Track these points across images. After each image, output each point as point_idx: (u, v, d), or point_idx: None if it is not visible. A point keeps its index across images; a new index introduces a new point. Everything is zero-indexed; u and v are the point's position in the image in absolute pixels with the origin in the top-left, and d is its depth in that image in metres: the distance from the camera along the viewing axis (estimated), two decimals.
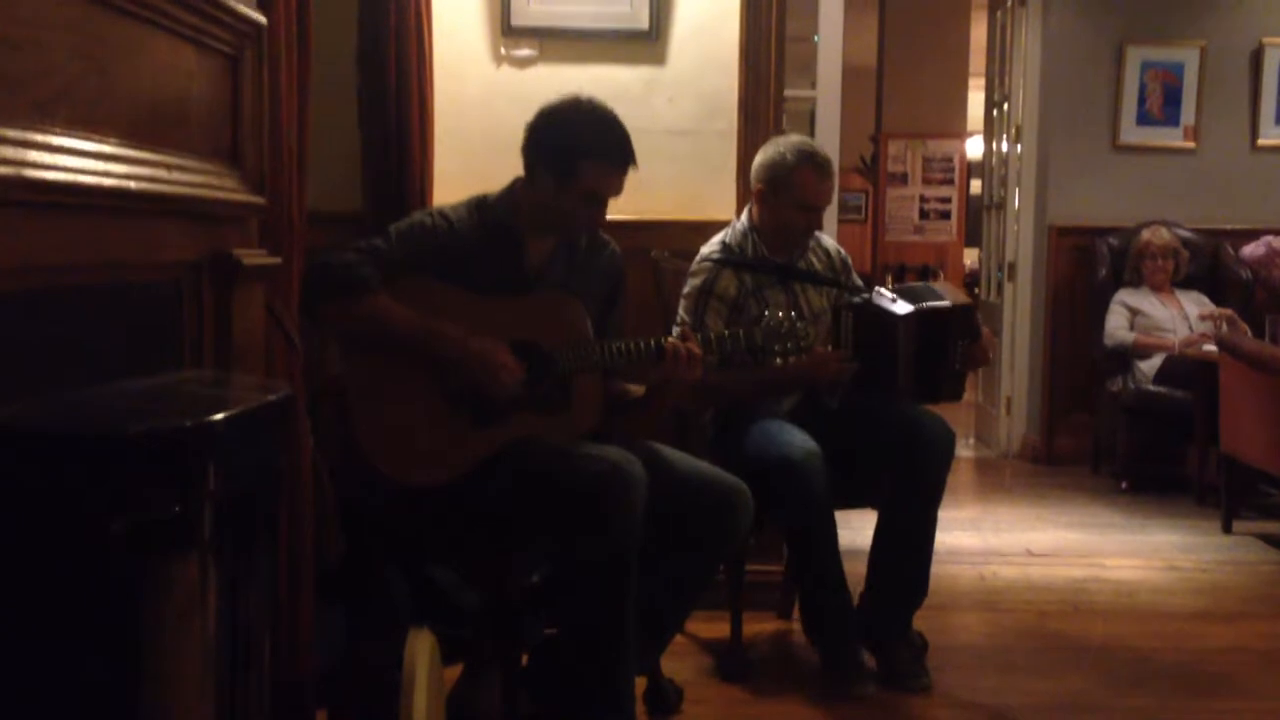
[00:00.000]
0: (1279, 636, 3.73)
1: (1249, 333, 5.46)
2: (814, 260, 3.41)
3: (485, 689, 2.80)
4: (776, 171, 3.24)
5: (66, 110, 1.46)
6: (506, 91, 3.68)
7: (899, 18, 9.56)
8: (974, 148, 9.40)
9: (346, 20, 3.23)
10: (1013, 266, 6.66)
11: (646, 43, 3.72)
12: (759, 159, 3.30)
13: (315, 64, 2.33)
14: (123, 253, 1.64)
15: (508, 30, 3.70)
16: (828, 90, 5.19)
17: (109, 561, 1.30)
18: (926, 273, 9.48)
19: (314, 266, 2.51)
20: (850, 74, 5.65)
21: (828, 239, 3.50)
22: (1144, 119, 6.40)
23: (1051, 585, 4.19)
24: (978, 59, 8.60)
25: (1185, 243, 5.96)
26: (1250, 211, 6.34)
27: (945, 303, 3.21)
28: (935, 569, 3.30)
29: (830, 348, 3.19)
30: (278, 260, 2.16)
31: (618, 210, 2.83)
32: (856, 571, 3.23)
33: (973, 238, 8.99)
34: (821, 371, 3.16)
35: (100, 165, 1.51)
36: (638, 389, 2.85)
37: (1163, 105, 6.40)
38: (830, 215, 3.94)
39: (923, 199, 9.96)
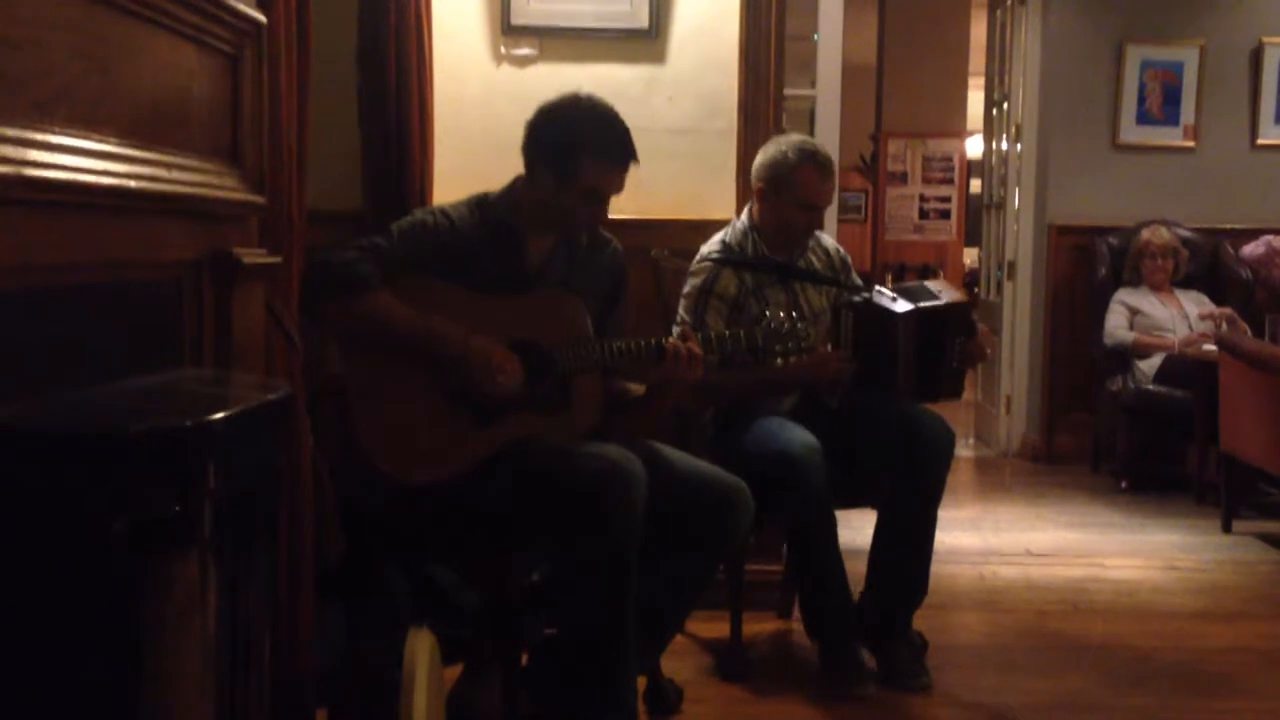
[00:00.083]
0: (1279, 636, 3.73)
1: (1249, 332, 5.45)
2: (814, 259, 3.41)
3: (485, 689, 2.79)
4: (778, 170, 3.23)
5: (67, 109, 1.46)
6: (506, 90, 3.68)
7: (899, 16, 9.56)
8: (974, 147, 9.40)
9: (346, 19, 3.23)
10: (1012, 266, 6.66)
11: (646, 41, 3.72)
12: (760, 157, 3.30)
13: (315, 62, 2.33)
14: (123, 251, 1.64)
15: (507, 29, 3.70)
16: (827, 89, 5.19)
17: (109, 561, 1.29)
18: (926, 272, 9.48)
19: (314, 265, 2.51)
20: (850, 73, 5.65)
21: (827, 238, 3.50)
22: (1144, 118, 6.40)
23: (1051, 585, 4.19)
24: (977, 58, 8.60)
25: (1185, 242, 5.96)
26: (1250, 211, 6.34)
27: (942, 301, 3.21)
28: (935, 568, 3.30)
29: (830, 347, 3.19)
30: (278, 259, 2.16)
31: (617, 209, 2.83)
32: (856, 571, 3.23)
33: (972, 237, 8.99)
34: (822, 371, 3.16)
35: (100, 164, 1.51)
36: (638, 388, 2.85)
37: (1162, 104, 6.40)
38: (830, 214, 3.94)
39: (922, 198, 9.96)
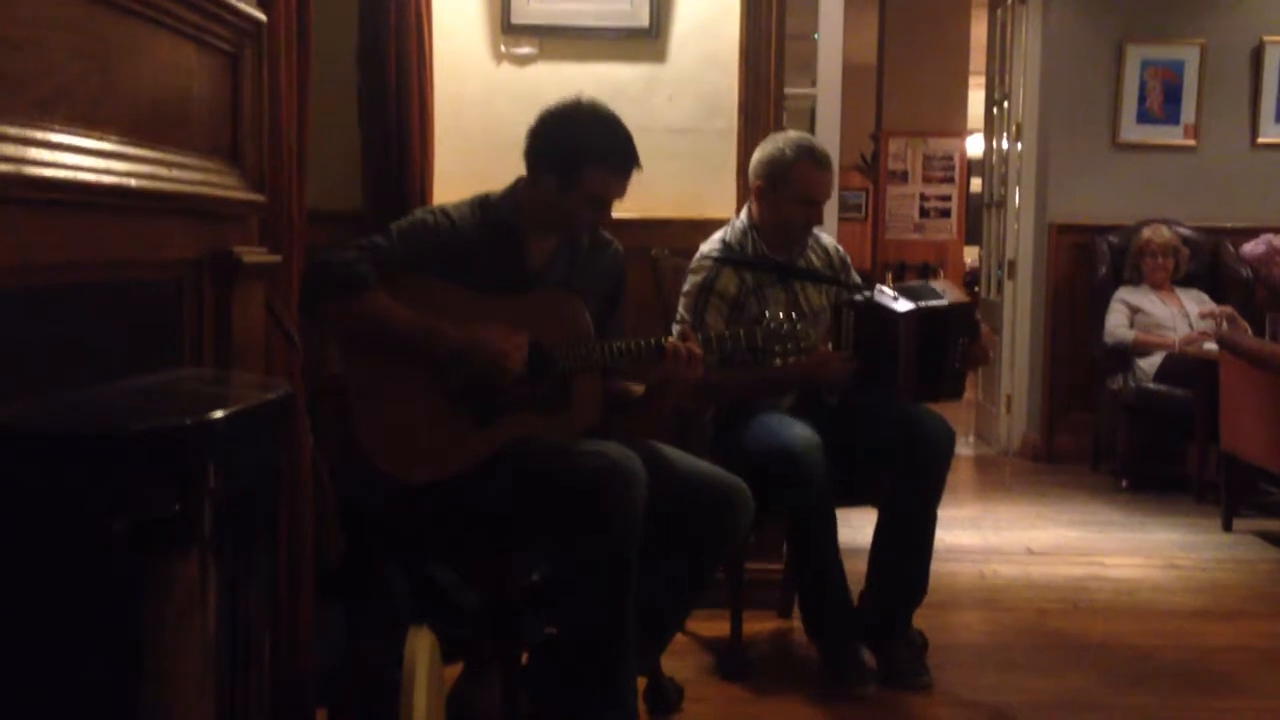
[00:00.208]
0: (1279, 635, 3.73)
1: (1249, 331, 5.45)
2: (813, 258, 3.40)
3: (485, 688, 2.79)
4: (775, 167, 3.23)
5: (67, 108, 1.46)
6: (507, 89, 3.68)
7: (899, 15, 9.56)
8: (974, 146, 9.40)
9: (346, 18, 3.23)
10: (1013, 264, 6.66)
11: (646, 40, 3.72)
12: (757, 155, 3.30)
13: (315, 62, 2.33)
14: (123, 251, 1.64)
15: (508, 28, 3.70)
16: (828, 88, 5.18)
17: (110, 560, 1.29)
18: (927, 271, 9.48)
19: (314, 265, 2.51)
20: (850, 72, 5.64)
21: (826, 237, 3.50)
22: (1144, 117, 6.40)
23: (1051, 583, 4.19)
24: (978, 57, 8.60)
25: (1185, 241, 5.96)
26: (1250, 209, 6.34)
27: (945, 301, 3.21)
28: (935, 567, 3.30)
29: (830, 345, 3.19)
30: (278, 258, 2.16)
31: (618, 209, 2.82)
32: (856, 570, 3.23)
33: (973, 236, 8.99)
34: (822, 371, 3.16)
35: (101, 163, 1.51)
36: (638, 388, 2.85)
37: (1163, 103, 6.39)
38: (830, 213, 3.94)
39: (923, 197, 9.95)
